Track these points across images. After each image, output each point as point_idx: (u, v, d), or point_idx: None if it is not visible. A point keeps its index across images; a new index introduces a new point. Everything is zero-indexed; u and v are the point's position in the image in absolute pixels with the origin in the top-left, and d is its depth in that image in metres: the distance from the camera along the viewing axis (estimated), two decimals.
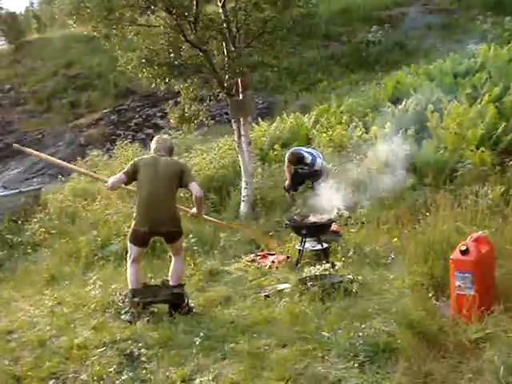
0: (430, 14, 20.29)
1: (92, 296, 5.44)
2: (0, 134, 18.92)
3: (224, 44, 8.17)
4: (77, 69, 21.81)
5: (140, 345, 4.26)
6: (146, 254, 5.92)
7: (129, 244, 5.07)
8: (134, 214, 5.05)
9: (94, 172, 10.09)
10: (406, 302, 4.34)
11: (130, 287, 5.01)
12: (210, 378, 3.67)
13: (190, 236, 6.80)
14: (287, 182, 8.30)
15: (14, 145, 5.91)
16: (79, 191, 10.23)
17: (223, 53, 8.21)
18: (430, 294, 4.36)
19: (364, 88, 14.02)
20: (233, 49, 8.09)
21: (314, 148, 9.05)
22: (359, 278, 5.10)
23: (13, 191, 10.79)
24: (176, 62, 7.95)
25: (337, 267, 5.40)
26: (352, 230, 6.48)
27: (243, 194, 8.32)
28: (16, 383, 3.95)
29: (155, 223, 4.88)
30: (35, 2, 40.42)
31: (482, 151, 7.49)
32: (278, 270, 5.95)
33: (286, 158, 8.35)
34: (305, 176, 8.11)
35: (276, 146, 10.38)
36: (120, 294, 5.28)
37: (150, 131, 16.88)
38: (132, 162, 5.17)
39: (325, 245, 6.06)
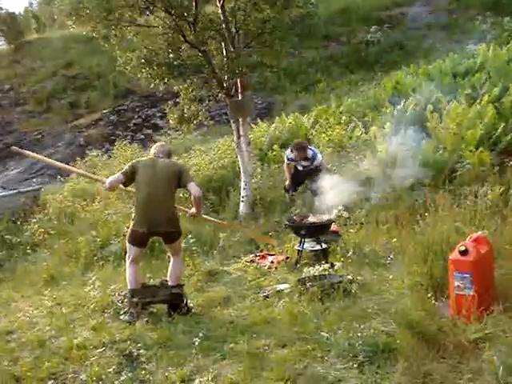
0: (429, 14, 20.31)
1: (91, 296, 5.44)
2: None
3: (223, 44, 8.18)
4: (76, 69, 21.80)
5: (139, 345, 4.26)
6: (144, 255, 5.92)
7: (127, 244, 5.08)
8: (133, 215, 5.07)
9: (94, 172, 10.14)
10: (406, 303, 4.34)
11: (128, 287, 5.01)
12: (210, 379, 3.67)
13: (189, 236, 6.81)
14: (287, 182, 8.28)
15: (13, 147, 5.89)
16: (78, 191, 10.24)
17: (222, 53, 8.21)
18: (430, 295, 4.36)
19: (363, 88, 14.03)
20: (232, 49, 8.08)
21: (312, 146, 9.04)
22: (358, 278, 5.11)
23: (12, 191, 10.76)
24: (175, 63, 7.95)
25: (336, 267, 5.40)
26: (351, 231, 6.48)
27: (242, 194, 8.32)
28: (15, 383, 3.95)
29: (154, 223, 4.89)
30: (34, 2, 40.45)
31: (481, 151, 7.49)
32: (277, 271, 5.96)
33: (285, 157, 8.32)
34: (305, 174, 8.10)
35: (275, 147, 10.38)
36: (119, 295, 5.29)
37: (150, 131, 16.90)
38: (130, 163, 5.20)
39: (324, 245, 6.06)
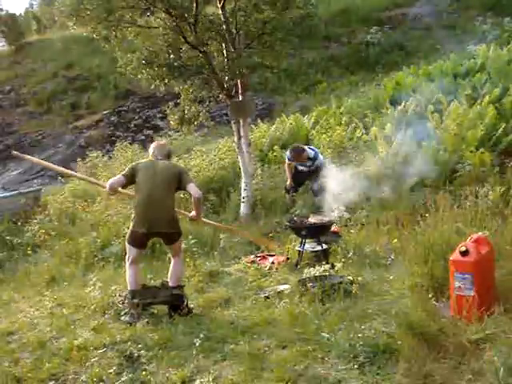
0: (429, 14, 20.31)
1: (92, 297, 5.44)
2: (0, 136, 18.94)
3: (224, 45, 8.17)
4: (77, 70, 21.84)
5: (140, 346, 4.26)
6: (145, 256, 5.92)
7: (127, 245, 5.08)
8: (133, 216, 5.08)
9: (94, 173, 10.15)
10: (406, 303, 4.33)
11: (129, 288, 5.01)
12: (210, 379, 3.67)
13: (190, 237, 6.80)
14: (288, 182, 8.28)
15: (13, 152, 5.90)
16: (79, 192, 10.23)
17: (223, 54, 8.21)
18: (430, 295, 4.35)
19: (364, 89, 14.03)
20: (232, 50, 8.08)
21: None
22: (359, 278, 5.10)
23: (13, 192, 10.78)
24: (176, 64, 7.95)
25: (337, 268, 5.40)
26: (352, 231, 6.48)
27: (243, 195, 8.32)
28: None
29: (153, 224, 4.89)
30: (35, 3, 40.51)
31: (482, 152, 7.48)
32: (277, 271, 5.95)
33: (286, 157, 8.32)
34: (306, 174, 8.09)
35: (276, 147, 10.37)
36: (120, 296, 5.27)
37: (150, 132, 16.93)
38: (130, 165, 5.25)
39: (325, 246, 6.05)
